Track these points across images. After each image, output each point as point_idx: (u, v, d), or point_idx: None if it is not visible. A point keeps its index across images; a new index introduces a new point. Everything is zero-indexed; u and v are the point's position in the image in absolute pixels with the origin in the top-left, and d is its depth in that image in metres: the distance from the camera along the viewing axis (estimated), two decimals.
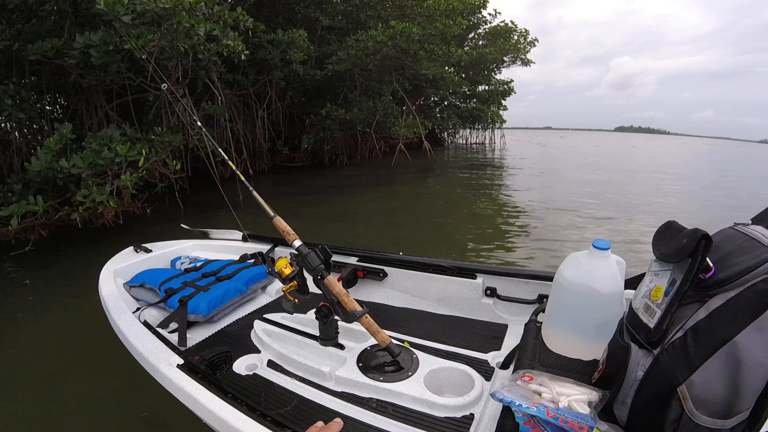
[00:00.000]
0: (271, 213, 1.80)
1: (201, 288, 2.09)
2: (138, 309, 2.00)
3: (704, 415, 0.87)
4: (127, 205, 4.58)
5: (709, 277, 0.90)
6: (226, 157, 2.24)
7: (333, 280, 1.59)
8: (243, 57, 5.34)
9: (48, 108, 5.98)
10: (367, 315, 1.53)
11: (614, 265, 1.30)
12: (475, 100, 22.22)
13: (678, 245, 0.96)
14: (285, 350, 1.67)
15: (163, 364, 1.44)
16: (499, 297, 2.02)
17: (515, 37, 20.71)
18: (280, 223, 1.77)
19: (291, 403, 1.37)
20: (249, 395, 1.41)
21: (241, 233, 2.81)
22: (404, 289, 2.26)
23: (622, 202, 7.81)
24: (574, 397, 1.02)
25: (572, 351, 1.34)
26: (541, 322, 1.53)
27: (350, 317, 1.54)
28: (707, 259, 0.91)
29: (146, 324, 1.74)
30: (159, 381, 1.44)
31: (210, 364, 1.50)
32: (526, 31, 20.95)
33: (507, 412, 1.05)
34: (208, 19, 4.78)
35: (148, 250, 2.56)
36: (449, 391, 1.43)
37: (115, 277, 2.22)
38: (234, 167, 2.13)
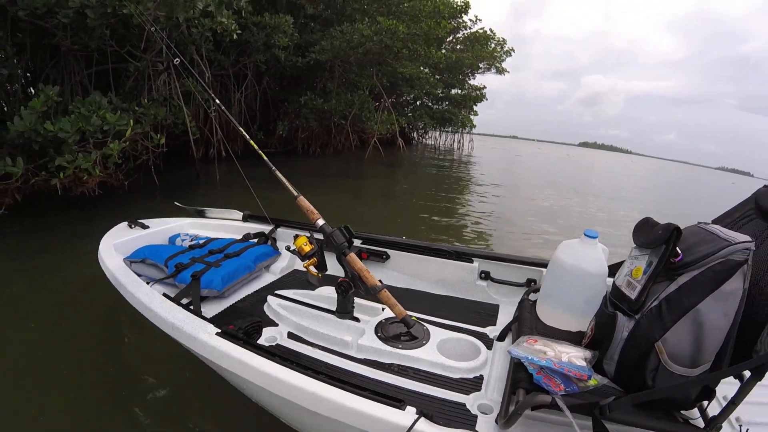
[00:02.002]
0: (295, 192, 1.99)
1: (212, 264, 2.21)
2: (148, 283, 2.03)
3: (676, 365, 1.18)
4: (109, 176, 4.60)
5: (678, 260, 1.22)
6: (246, 136, 2.41)
7: (354, 257, 1.82)
8: (234, 36, 5.44)
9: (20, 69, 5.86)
10: (385, 289, 1.77)
11: (601, 251, 1.64)
12: (447, 102, 22.73)
13: (655, 235, 1.28)
14: (304, 323, 1.84)
15: (201, 333, 1.54)
16: (493, 280, 2.33)
17: (492, 45, 21.30)
18: (304, 202, 1.97)
19: (320, 368, 1.46)
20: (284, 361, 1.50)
21: (241, 213, 2.93)
22: (405, 270, 2.49)
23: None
24: (573, 354, 1.31)
25: (563, 323, 1.64)
26: (533, 301, 1.82)
27: (371, 291, 1.77)
28: (677, 247, 1.23)
29: (167, 297, 1.84)
30: (196, 350, 1.56)
31: (246, 332, 1.70)
32: (503, 40, 21.57)
33: (518, 367, 1.33)
34: None
35: (144, 226, 2.65)
36: (458, 357, 1.68)
37: (115, 251, 2.29)
38: (255, 146, 2.31)
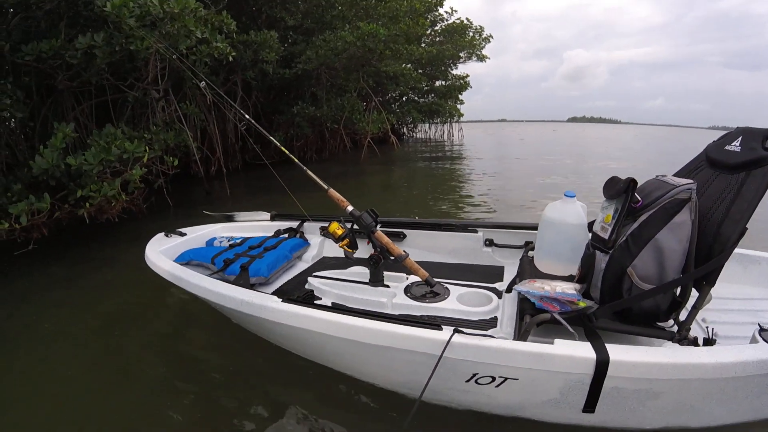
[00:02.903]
0: (325, 186, 2.39)
1: (255, 256, 2.58)
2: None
3: (646, 284, 1.58)
4: (132, 201, 4.95)
5: (639, 205, 1.62)
6: (278, 144, 2.76)
7: (381, 233, 2.23)
8: (230, 59, 5.78)
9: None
10: (409, 257, 2.18)
11: (579, 207, 2.05)
12: (433, 95, 23.22)
13: (617, 188, 1.68)
14: (345, 293, 2.25)
15: (270, 302, 1.89)
16: (496, 245, 2.75)
17: (471, 34, 21.79)
18: (334, 194, 2.38)
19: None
20: None
21: (268, 213, 3.29)
22: (421, 246, 2.90)
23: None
24: (565, 286, 1.70)
25: (557, 270, 2.05)
26: (532, 257, 2.22)
27: (399, 259, 2.18)
28: (636, 195, 1.64)
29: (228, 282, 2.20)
30: (269, 317, 1.88)
31: (305, 298, 2.08)
32: (481, 27, 22.09)
33: (523, 301, 1.74)
34: (200, 21, 5.17)
35: (182, 234, 2.98)
36: (475, 306, 2.11)
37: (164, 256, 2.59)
38: (287, 152, 2.67)
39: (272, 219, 3.28)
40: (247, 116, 2.89)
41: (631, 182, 1.63)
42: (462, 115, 25.00)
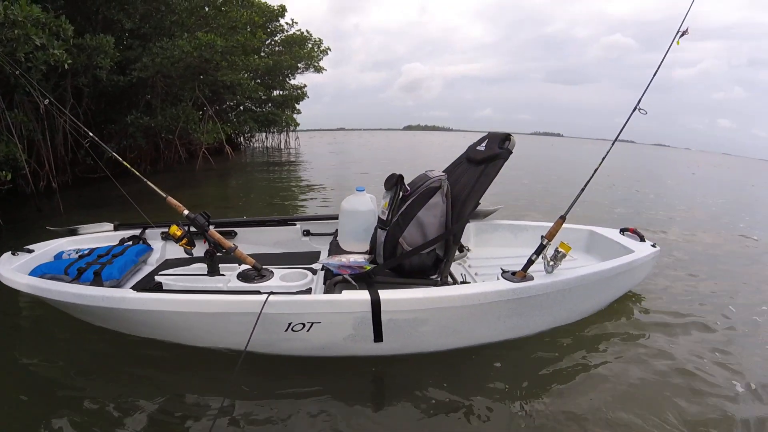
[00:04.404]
0: (163, 194, 2.90)
1: (105, 263, 2.86)
2: None
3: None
4: None
5: (408, 194, 2.60)
6: (117, 156, 3.22)
7: (213, 232, 2.85)
8: (66, 66, 5.79)
9: None
10: (238, 248, 2.84)
11: (368, 198, 3.03)
12: (270, 104, 23.69)
13: (391, 182, 2.63)
14: (188, 285, 2.79)
15: (128, 294, 2.37)
16: (313, 234, 3.65)
17: (309, 46, 22.72)
18: (172, 200, 2.90)
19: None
20: None
21: (112, 224, 3.57)
22: (251, 241, 3.59)
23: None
24: (357, 257, 2.65)
25: (356, 248, 2.97)
26: (337, 239, 3.13)
27: (230, 251, 2.82)
28: (405, 185, 2.62)
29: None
30: (128, 306, 2.35)
31: (155, 288, 2.63)
32: (319, 40, 23.13)
33: (327, 272, 2.58)
34: (38, 26, 5.10)
35: (30, 251, 3.04)
36: (295, 282, 2.73)
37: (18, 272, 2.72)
38: (126, 163, 3.15)
39: (116, 229, 3.56)
40: (85, 129, 3.20)
41: (399, 177, 2.59)
42: (298, 124, 25.75)
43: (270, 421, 2.22)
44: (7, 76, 5.82)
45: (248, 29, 12.27)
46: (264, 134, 26.77)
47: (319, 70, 24.04)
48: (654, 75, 2.89)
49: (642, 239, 3.54)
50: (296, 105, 24.91)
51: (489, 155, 2.59)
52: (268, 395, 2.41)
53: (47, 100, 3.27)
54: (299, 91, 24.28)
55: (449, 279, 2.64)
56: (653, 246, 3.45)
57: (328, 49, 23.79)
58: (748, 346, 3.05)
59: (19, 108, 7.13)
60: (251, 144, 27.22)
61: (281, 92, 23.89)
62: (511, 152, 2.57)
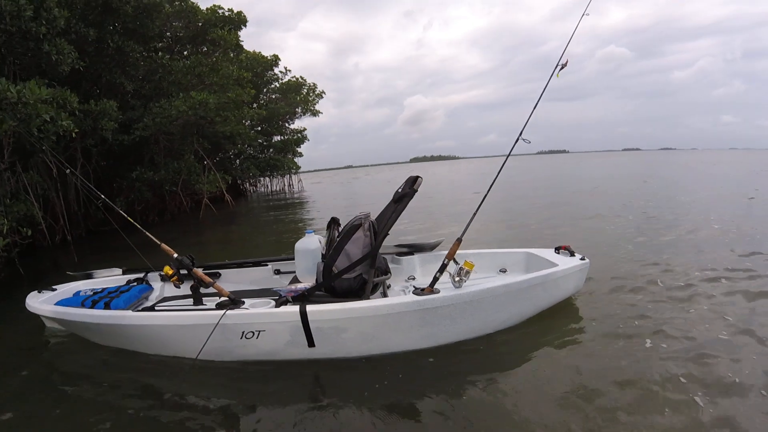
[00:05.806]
0: (158, 242, 3.63)
1: (114, 296, 3.65)
2: None
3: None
4: None
5: (340, 230, 3.38)
6: (122, 212, 4.06)
7: (197, 270, 3.57)
8: (74, 135, 6.71)
9: None
10: (216, 283, 3.50)
11: (316, 239, 3.81)
12: (271, 150, 24.85)
13: (329, 223, 3.57)
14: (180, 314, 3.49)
15: (129, 313, 3.19)
16: (282, 273, 4.32)
17: (305, 91, 23.99)
18: (165, 247, 3.62)
19: None
20: None
21: (121, 269, 4.40)
22: (232, 280, 4.26)
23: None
24: (304, 285, 3.45)
25: (309, 280, 3.68)
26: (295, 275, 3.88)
27: (209, 284, 3.50)
28: (339, 226, 3.55)
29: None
30: (129, 323, 3.12)
31: (151, 308, 3.46)
32: (314, 85, 24.47)
33: (280, 298, 3.31)
34: (46, 103, 5.93)
35: (53, 289, 3.91)
36: (260, 308, 3.20)
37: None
38: (129, 218, 3.97)
39: (124, 273, 4.35)
40: (97, 191, 3.93)
41: (332, 219, 3.42)
42: (299, 167, 26.94)
43: (226, 420, 2.64)
44: (22, 143, 6.70)
45: (237, 85, 13.25)
46: (268, 179, 27.87)
47: (315, 113, 25.18)
48: (534, 107, 3.41)
49: (572, 254, 3.90)
50: (297, 148, 26.05)
51: (401, 195, 3.21)
52: (229, 396, 2.89)
53: (69, 170, 4.19)
54: (299, 135, 25.56)
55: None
56: (582, 259, 3.78)
57: (323, 92, 25.05)
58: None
59: (33, 169, 7.97)
60: (256, 189, 28.05)
61: (281, 138, 25.16)
62: (416, 191, 3.20)
